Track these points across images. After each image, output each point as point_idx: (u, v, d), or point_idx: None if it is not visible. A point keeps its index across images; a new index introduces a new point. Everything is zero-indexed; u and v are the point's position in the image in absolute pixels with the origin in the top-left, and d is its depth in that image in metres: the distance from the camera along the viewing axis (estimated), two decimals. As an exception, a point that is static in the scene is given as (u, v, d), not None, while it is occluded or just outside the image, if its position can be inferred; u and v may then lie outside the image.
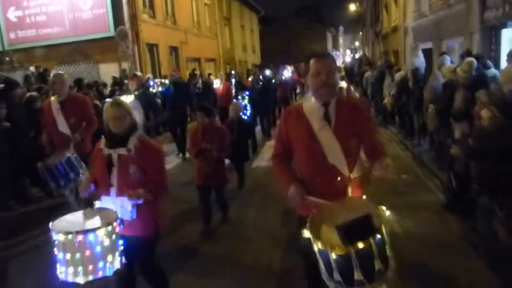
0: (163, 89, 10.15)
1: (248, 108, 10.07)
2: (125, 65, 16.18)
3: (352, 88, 13.40)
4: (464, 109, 5.49)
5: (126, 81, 11.81)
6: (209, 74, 19.34)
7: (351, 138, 2.67)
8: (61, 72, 6.05)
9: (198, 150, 5.18)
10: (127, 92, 8.70)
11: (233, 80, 14.37)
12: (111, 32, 16.20)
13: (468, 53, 7.66)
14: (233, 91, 12.52)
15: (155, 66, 18.82)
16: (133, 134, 3.06)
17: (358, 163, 2.79)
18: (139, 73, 11.57)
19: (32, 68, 13.36)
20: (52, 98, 5.55)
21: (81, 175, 4.67)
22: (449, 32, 11.93)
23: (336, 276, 2.26)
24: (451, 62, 8.20)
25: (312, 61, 2.61)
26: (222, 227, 5.57)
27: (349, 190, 2.70)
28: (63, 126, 5.35)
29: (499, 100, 4.23)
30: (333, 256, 2.20)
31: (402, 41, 18.56)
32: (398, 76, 10.24)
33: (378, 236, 2.20)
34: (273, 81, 14.25)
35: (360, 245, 2.15)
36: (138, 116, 3.18)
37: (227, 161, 6.04)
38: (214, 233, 5.34)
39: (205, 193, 5.34)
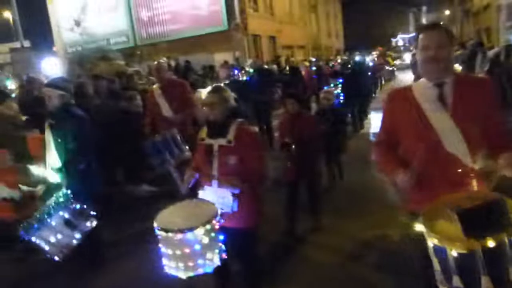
0: (247, 77, 8.29)
1: (341, 96, 8.30)
2: (237, 54, 16.04)
3: None
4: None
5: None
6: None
7: (473, 122, 1.86)
8: (161, 60, 5.70)
9: (282, 144, 3.98)
10: (217, 80, 7.47)
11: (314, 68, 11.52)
12: (224, 26, 16.25)
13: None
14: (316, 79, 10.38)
15: (258, 55, 18.51)
16: (233, 123, 2.54)
17: (481, 153, 1.93)
18: (247, 61, 10.68)
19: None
20: (154, 86, 5.19)
21: (186, 152, 4.18)
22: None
23: (456, 281, 1.52)
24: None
25: (420, 35, 1.93)
26: (312, 235, 4.09)
27: (474, 183, 1.88)
28: (166, 110, 4.87)
29: None
30: (453, 254, 1.47)
31: (494, 19, 15.66)
32: (491, 53, 8.72)
33: None
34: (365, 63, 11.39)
35: (490, 242, 1.40)
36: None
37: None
38: (302, 240, 4.01)
39: (292, 190, 4.08)
